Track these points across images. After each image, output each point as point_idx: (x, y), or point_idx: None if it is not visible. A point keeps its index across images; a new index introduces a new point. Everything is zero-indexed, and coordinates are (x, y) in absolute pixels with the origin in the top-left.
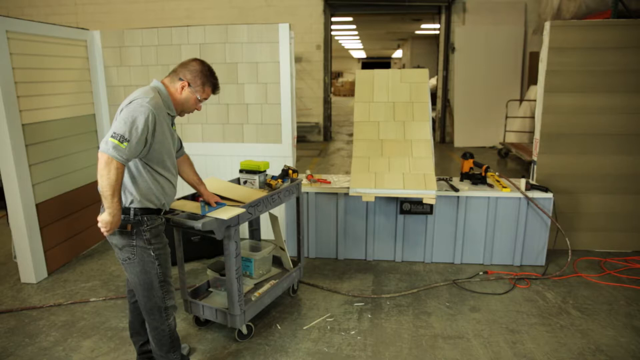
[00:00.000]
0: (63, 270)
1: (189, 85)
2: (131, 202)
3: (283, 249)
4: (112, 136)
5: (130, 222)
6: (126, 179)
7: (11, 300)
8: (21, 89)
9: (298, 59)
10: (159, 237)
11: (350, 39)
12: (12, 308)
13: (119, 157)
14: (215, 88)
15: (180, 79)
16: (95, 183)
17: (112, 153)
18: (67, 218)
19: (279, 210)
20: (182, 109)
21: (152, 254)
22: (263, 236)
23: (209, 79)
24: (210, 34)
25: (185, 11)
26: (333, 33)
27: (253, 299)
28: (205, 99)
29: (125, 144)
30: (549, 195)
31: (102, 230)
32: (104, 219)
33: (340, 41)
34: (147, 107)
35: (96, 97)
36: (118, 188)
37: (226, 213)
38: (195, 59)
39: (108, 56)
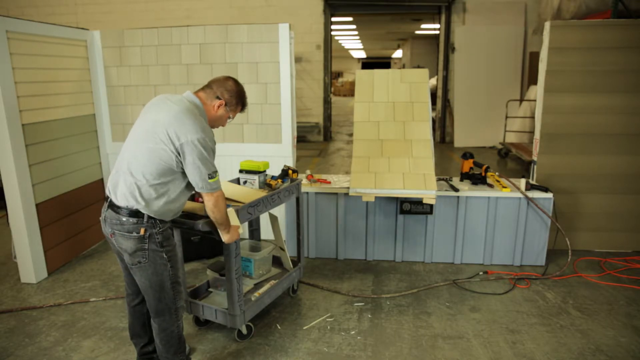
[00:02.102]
0: (63, 270)
1: (225, 104)
2: (146, 210)
3: (283, 249)
4: (210, 178)
5: (144, 226)
6: (148, 190)
7: (11, 300)
8: (21, 89)
9: (298, 59)
10: (170, 239)
11: (350, 39)
12: (12, 308)
13: (218, 189)
14: (244, 107)
15: (218, 97)
16: (95, 183)
17: (217, 189)
18: (67, 218)
19: (279, 210)
20: (213, 125)
21: (165, 256)
22: (263, 236)
23: (243, 99)
24: (210, 34)
25: (185, 11)
26: (333, 33)
27: (253, 299)
28: (234, 117)
29: (217, 175)
30: (549, 195)
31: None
32: (226, 240)
33: (340, 41)
34: (209, 139)
35: (96, 97)
36: (224, 215)
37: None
38: (231, 78)
39: (108, 56)
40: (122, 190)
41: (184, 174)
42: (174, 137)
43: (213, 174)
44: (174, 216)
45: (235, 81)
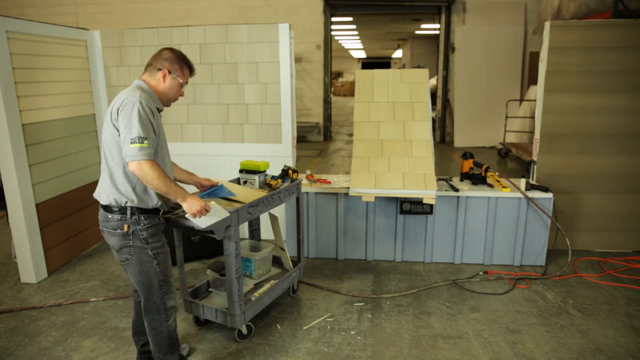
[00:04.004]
0: (63, 270)
1: (169, 72)
2: (126, 202)
3: (283, 249)
4: (131, 142)
5: (127, 222)
6: (121, 179)
7: (11, 300)
8: (21, 89)
9: (298, 59)
10: (157, 236)
11: (350, 39)
12: (12, 308)
13: (146, 157)
14: (191, 70)
15: (159, 69)
16: (95, 183)
17: (140, 157)
18: (67, 218)
19: (279, 210)
20: (168, 98)
21: (150, 253)
22: (263, 236)
23: (184, 62)
24: (210, 34)
25: (185, 11)
26: (333, 33)
27: (253, 299)
28: (186, 83)
29: (145, 142)
30: (549, 195)
31: (197, 216)
32: (186, 210)
33: (340, 41)
34: (141, 102)
35: (96, 97)
36: (167, 179)
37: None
38: (165, 48)
39: (108, 56)
40: (102, 186)
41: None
42: (114, 114)
43: (137, 139)
44: (160, 202)
45: (170, 49)
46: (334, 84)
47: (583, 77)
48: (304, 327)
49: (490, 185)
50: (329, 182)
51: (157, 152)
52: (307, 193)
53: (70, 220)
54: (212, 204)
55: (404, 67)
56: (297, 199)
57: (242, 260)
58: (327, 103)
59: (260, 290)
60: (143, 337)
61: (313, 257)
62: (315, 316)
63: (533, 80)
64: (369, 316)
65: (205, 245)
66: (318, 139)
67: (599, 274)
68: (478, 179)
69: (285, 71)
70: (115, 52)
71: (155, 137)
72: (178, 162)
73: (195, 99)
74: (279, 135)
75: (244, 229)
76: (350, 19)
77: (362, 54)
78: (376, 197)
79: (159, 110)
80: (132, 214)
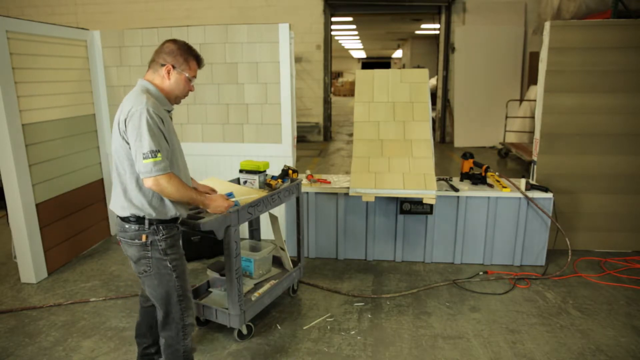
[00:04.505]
0: (63, 270)
1: (173, 67)
2: (144, 213)
3: (283, 249)
4: (144, 158)
5: (146, 232)
6: (135, 192)
7: (11, 300)
8: (21, 89)
9: (298, 59)
10: (175, 247)
11: (350, 39)
12: (12, 308)
13: (162, 171)
14: (199, 61)
15: (162, 65)
16: (95, 183)
17: (155, 172)
18: (67, 218)
19: (279, 210)
20: (176, 95)
21: (169, 265)
22: (263, 236)
23: (189, 53)
24: (210, 34)
25: (185, 11)
26: (333, 33)
27: (253, 299)
28: (194, 76)
29: (159, 155)
30: (549, 195)
31: (224, 212)
32: (213, 212)
33: (340, 41)
34: (148, 110)
35: (96, 97)
36: (187, 189)
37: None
38: (167, 40)
39: (108, 56)
40: (116, 199)
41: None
42: (121, 124)
43: (150, 153)
44: (178, 212)
45: (173, 40)
46: (334, 84)
47: (583, 77)
48: (304, 327)
49: (490, 185)
50: (329, 182)
51: (171, 161)
52: (307, 193)
53: (70, 220)
54: (236, 199)
55: (404, 67)
56: (297, 199)
57: (242, 260)
58: (327, 103)
59: (260, 290)
60: (146, 340)
61: (313, 257)
62: (315, 316)
63: (533, 80)
64: (369, 316)
65: (205, 245)
66: (318, 139)
67: (599, 274)
68: (478, 179)
69: (285, 71)
70: (115, 52)
71: (168, 147)
72: None
73: (195, 99)
74: (279, 135)
75: (244, 229)
76: (350, 19)
77: (362, 54)
78: (376, 197)
79: (169, 111)
80: (151, 224)
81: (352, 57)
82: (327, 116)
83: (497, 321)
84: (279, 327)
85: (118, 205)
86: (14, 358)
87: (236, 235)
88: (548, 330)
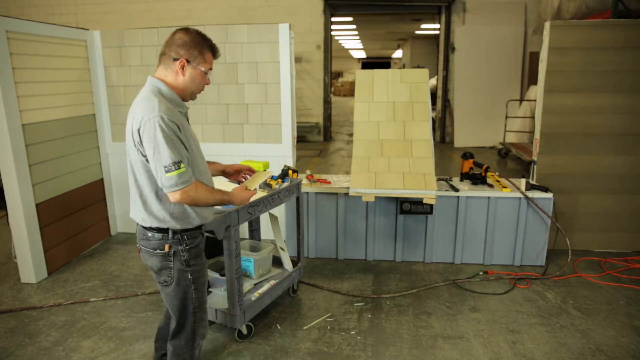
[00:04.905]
0: (63, 270)
1: (187, 61)
2: (167, 224)
3: (283, 249)
4: (167, 172)
5: (169, 242)
6: (156, 205)
7: (11, 300)
8: (21, 89)
9: (298, 59)
10: (198, 257)
11: (350, 39)
12: (12, 308)
13: (188, 183)
14: (214, 51)
15: (175, 59)
16: (95, 183)
17: (181, 185)
18: (67, 218)
19: (279, 210)
20: (192, 91)
21: (190, 276)
22: (263, 236)
23: (204, 44)
24: (210, 34)
25: (185, 11)
26: (333, 33)
27: (253, 299)
28: (210, 69)
29: (181, 165)
30: (549, 195)
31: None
32: (241, 203)
33: (340, 41)
34: (162, 117)
35: (96, 97)
36: (214, 192)
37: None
38: (178, 30)
39: (108, 56)
40: (137, 209)
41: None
42: (135, 135)
43: (172, 165)
44: (203, 219)
45: (185, 30)
46: (334, 84)
47: (583, 77)
48: (304, 327)
49: (490, 185)
50: (329, 182)
51: (192, 167)
52: (307, 193)
53: (70, 220)
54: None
55: (404, 67)
56: (297, 199)
57: (242, 260)
58: (327, 103)
59: (260, 290)
60: (165, 345)
61: (313, 257)
62: (315, 316)
63: (533, 80)
64: (369, 316)
65: (205, 245)
66: (318, 139)
67: (599, 274)
68: (478, 179)
69: (285, 71)
70: (115, 52)
71: (188, 154)
72: None
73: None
74: (279, 135)
75: (244, 229)
76: (350, 19)
77: (362, 54)
78: (376, 197)
79: (184, 112)
80: (175, 233)
81: (352, 57)
82: (327, 116)
83: (497, 321)
84: (279, 327)
85: (139, 215)
86: (14, 358)
87: (236, 235)
88: (548, 330)
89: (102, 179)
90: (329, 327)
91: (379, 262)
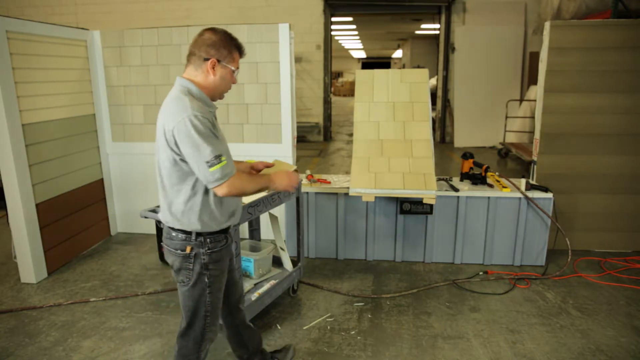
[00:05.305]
0: (63, 270)
1: (218, 61)
2: (192, 226)
3: (283, 249)
4: (210, 166)
5: (191, 244)
6: (183, 207)
7: (11, 300)
8: (21, 89)
9: (298, 59)
10: (219, 262)
11: (350, 39)
12: (12, 308)
13: (231, 174)
14: (241, 51)
15: (206, 59)
16: (95, 183)
17: (226, 177)
18: (67, 218)
19: (279, 210)
20: (222, 91)
21: (206, 280)
22: (263, 236)
23: (232, 43)
24: None
25: (185, 11)
26: (333, 33)
27: (253, 299)
28: (238, 67)
29: (222, 159)
30: (549, 195)
31: (294, 186)
32: (289, 188)
33: (340, 41)
34: (196, 116)
35: (96, 97)
36: (255, 179)
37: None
38: (206, 30)
39: (108, 56)
40: (163, 211)
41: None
42: (167, 134)
43: (214, 159)
44: (228, 221)
45: (212, 30)
46: (334, 84)
47: (583, 77)
48: (304, 327)
49: (490, 185)
50: (329, 182)
51: None
52: (307, 193)
53: (70, 220)
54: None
55: (404, 67)
56: (297, 199)
57: (242, 260)
58: (327, 103)
59: (260, 290)
60: (244, 351)
61: (313, 257)
62: (315, 316)
63: (533, 80)
64: (369, 316)
65: None
66: (318, 139)
67: (599, 274)
68: (478, 179)
69: (285, 71)
70: (115, 52)
71: (225, 148)
72: None
73: None
74: (279, 135)
75: (244, 229)
76: (350, 19)
77: (362, 54)
78: (376, 197)
79: (213, 111)
80: (199, 235)
81: (352, 57)
82: (327, 116)
83: (497, 321)
84: (279, 327)
85: (164, 215)
86: (14, 358)
87: (236, 235)
88: (548, 330)
89: (102, 179)
90: (329, 327)
91: (379, 262)
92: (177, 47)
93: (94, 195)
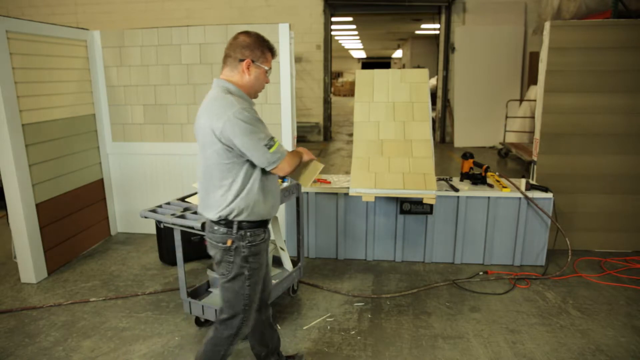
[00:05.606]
0: (63, 270)
1: (252, 61)
2: (235, 215)
3: (283, 249)
4: (269, 148)
5: (232, 237)
6: (231, 197)
7: (11, 300)
8: (21, 89)
9: (298, 59)
10: (258, 255)
11: (350, 39)
12: (12, 308)
13: (286, 152)
14: (273, 52)
15: (241, 60)
16: (95, 183)
17: (283, 155)
18: (67, 218)
19: (279, 210)
20: (256, 90)
21: (246, 273)
22: None
23: (265, 45)
24: (210, 34)
25: (185, 11)
26: (333, 33)
27: None
28: (270, 68)
29: (275, 140)
30: (549, 195)
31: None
32: (309, 158)
33: (340, 41)
34: (244, 108)
35: (96, 97)
36: (296, 154)
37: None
38: (240, 33)
39: (108, 56)
40: (205, 202)
41: (246, 164)
42: (216, 131)
43: (270, 141)
44: (270, 212)
45: (246, 33)
46: (334, 84)
47: (583, 77)
48: (304, 327)
49: (490, 185)
50: (329, 182)
51: None
52: (307, 193)
53: (70, 220)
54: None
55: (404, 67)
56: (297, 199)
57: None
58: (327, 103)
59: None
60: (263, 348)
61: (313, 257)
62: (315, 316)
63: (533, 80)
64: (369, 316)
65: (205, 246)
66: (318, 139)
67: (599, 274)
68: (478, 179)
69: (285, 71)
70: (115, 52)
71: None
72: (178, 162)
73: (195, 99)
74: (279, 135)
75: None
76: (350, 19)
77: (362, 54)
78: (376, 197)
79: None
80: (240, 228)
81: (352, 57)
82: (327, 116)
83: (497, 321)
84: (279, 327)
85: (208, 209)
86: (14, 358)
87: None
88: (548, 330)
89: (102, 179)
90: (328, 327)
91: (379, 262)
92: (177, 47)
93: (94, 195)
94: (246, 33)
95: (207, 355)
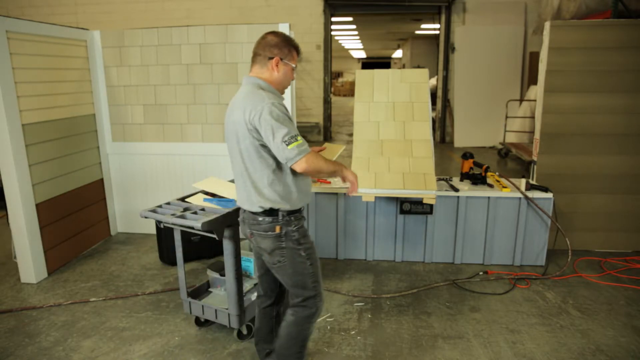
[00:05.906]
0: (63, 270)
1: (281, 59)
2: (277, 204)
3: None
4: (288, 144)
5: (279, 224)
6: (267, 189)
7: (11, 300)
8: (21, 89)
9: (298, 59)
10: (307, 236)
11: (350, 39)
12: (12, 308)
13: (307, 151)
14: (298, 51)
15: (270, 58)
16: (95, 183)
17: (303, 153)
18: (67, 218)
19: None
20: (284, 86)
21: (303, 253)
22: None
23: (291, 44)
24: (210, 34)
25: (185, 11)
26: (333, 33)
27: (253, 298)
28: (296, 65)
29: (299, 137)
30: (549, 195)
31: (354, 188)
32: (352, 179)
33: (340, 41)
34: (273, 103)
35: (96, 97)
36: (328, 162)
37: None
38: (268, 33)
39: (108, 56)
40: (244, 196)
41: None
42: (249, 125)
43: (290, 138)
44: (304, 202)
45: (274, 33)
46: (334, 84)
47: (583, 77)
48: None
49: (490, 185)
50: (329, 182)
51: None
52: None
53: (70, 220)
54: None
55: (404, 67)
56: None
57: (242, 260)
58: (327, 103)
59: None
60: (268, 346)
61: None
62: None
63: (533, 80)
64: (369, 316)
65: (205, 245)
66: (318, 139)
67: (599, 274)
68: (478, 179)
69: None
70: (115, 52)
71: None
72: (178, 162)
73: (195, 99)
74: None
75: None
76: (350, 19)
77: (362, 54)
78: (376, 197)
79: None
80: (284, 215)
81: (352, 57)
82: (327, 116)
83: (497, 321)
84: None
85: (247, 202)
86: (14, 358)
87: (236, 235)
88: (548, 330)
89: (102, 179)
90: (329, 327)
91: (379, 262)
92: (177, 47)
93: (94, 195)
94: (274, 33)
95: (291, 336)
